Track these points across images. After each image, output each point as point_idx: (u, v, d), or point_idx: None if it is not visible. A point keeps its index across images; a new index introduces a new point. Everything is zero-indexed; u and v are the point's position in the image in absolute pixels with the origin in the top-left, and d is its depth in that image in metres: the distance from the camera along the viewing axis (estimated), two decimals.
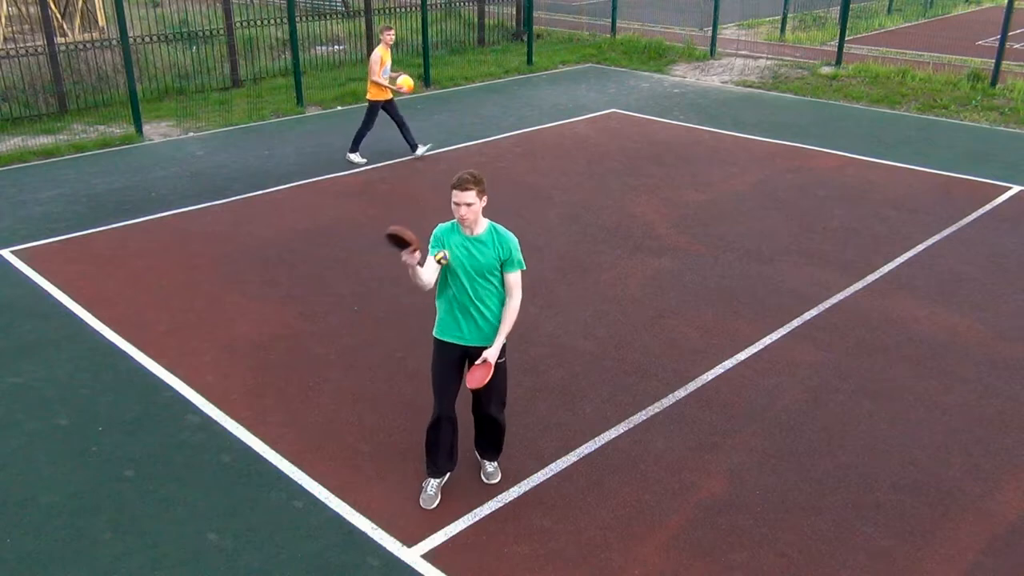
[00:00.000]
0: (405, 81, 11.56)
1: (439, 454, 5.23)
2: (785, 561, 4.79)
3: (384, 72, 11.49)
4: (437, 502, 5.23)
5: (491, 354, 4.89)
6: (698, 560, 4.80)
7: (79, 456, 5.70)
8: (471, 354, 5.00)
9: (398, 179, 11.12)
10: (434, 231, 4.94)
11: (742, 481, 5.43)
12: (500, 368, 5.04)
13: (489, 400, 5.15)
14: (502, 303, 4.98)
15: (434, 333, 5.08)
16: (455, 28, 19.88)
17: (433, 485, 5.27)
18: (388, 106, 11.72)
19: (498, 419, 5.26)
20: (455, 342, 4.99)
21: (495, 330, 4.96)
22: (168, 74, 15.72)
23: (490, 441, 5.40)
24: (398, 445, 5.76)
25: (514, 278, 4.93)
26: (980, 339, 7.14)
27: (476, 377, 4.85)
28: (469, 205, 4.71)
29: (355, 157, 11.77)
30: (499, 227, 4.94)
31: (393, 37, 11.64)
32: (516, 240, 4.95)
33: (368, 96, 11.68)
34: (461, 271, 4.87)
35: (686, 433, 5.91)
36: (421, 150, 11.95)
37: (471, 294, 4.89)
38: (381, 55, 11.40)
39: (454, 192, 4.72)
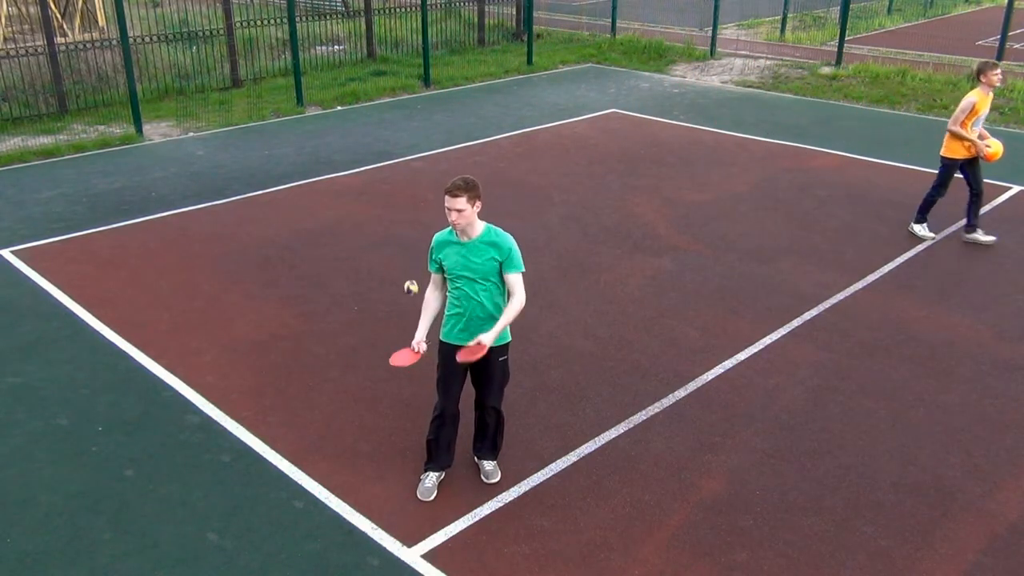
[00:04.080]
0: (996, 147, 8.69)
1: (439, 448, 5.31)
2: (785, 561, 4.79)
3: (975, 124, 8.65)
4: (434, 495, 5.27)
5: (486, 338, 4.92)
6: (698, 560, 4.80)
7: (79, 456, 5.70)
8: None
9: (398, 179, 11.12)
10: (432, 241, 5.08)
11: (742, 481, 5.43)
12: (502, 364, 5.19)
13: (490, 390, 5.25)
14: (503, 304, 5.05)
15: (440, 336, 5.19)
16: (455, 28, 19.88)
17: (432, 477, 5.33)
18: (969, 165, 8.88)
19: (498, 408, 5.33)
20: (458, 344, 5.07)
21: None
22: (168, 74, 15.72)
23: (488, 434, 5.43)
24: (398, 445, 5.76)
25: (514, 279, 5.00)
26: (980, 339, 7.14)
27: (464, 353, 4.92)
28: (460, 211, 4.79)
29: (920, 230, 9.18)
30: (497, 230, 5.00)
31: (1000, 78, 8.64)
32: (513, 242, 5.01)
33: (943, 152, 8.89)
34: (460, 276, 4.98)
35: (686, 433, 5.91)
36: (981, 236, 9.04)
37: (472, 297, 4.99)
38: (976, 101, 8.53)
39: (446, 198, 4.81)
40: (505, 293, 5.05)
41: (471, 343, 4.97)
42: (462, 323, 5.04)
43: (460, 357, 4.93)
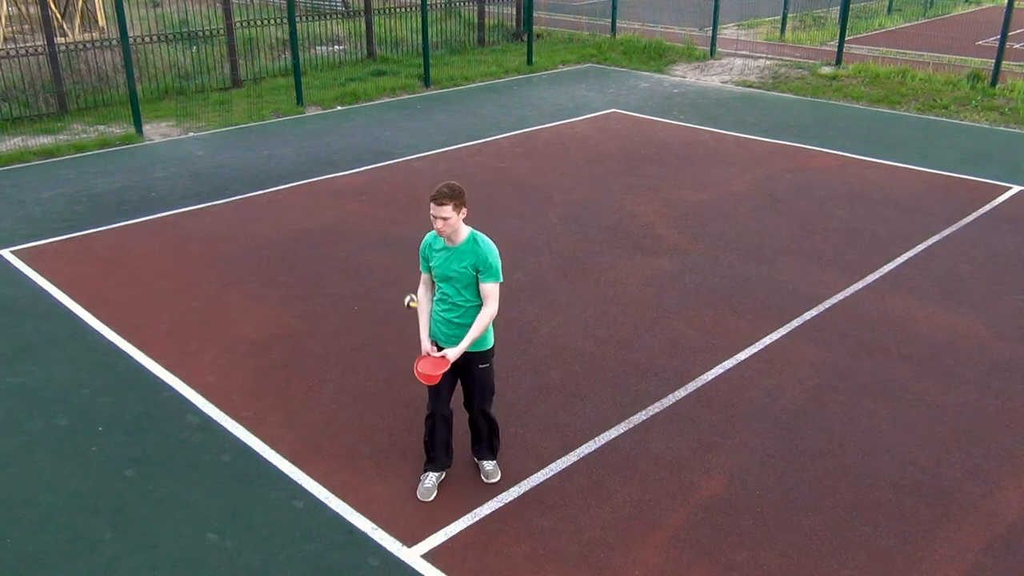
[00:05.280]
0: None
1: (435, 449, 5.32)
2: (785, 561, 4.79)
3: None
4: (434, 495, 5.27)
5: (451, 353, 4.96)
6: (698, 560, 4.80)
7: (79, 456, 5.70)
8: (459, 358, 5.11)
9: (398, 179, 11.12)
10: (422, 241, 5.11)
11: (742, 481, 5.43)
12: (483, 371, 5.18)
13: (475, 396, 5.25)
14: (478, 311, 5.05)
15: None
16: (455, 28, 19.88)
17: (431, 478, 5.33)
18: None
19: (486, 412, 5.33)
20: (445, 344, 5.08)
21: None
22: (168, 74, 15.72)
23: (483, 438, 5.43)
24: (398, 445, 5.76)
25: (490, 288, 4.95)
26: (980, 339, 7.14)
27: (426, 364, 4.95)
28: (445, 219, 4.80)
29: None
30: (480, 237, 4.99)
31: None
32: (495, 251, 4.98)
33: None
34: (443, 280, 4.98)
35: (686, 433, 5.91)
36: None
37: (454, 302, 4.99)
38: None
39: (431, 205, 4.80)
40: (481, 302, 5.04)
41: (436, 355, 4.98)
42: (446, 325, 5.05)
43: (420, 368, 4.95)
